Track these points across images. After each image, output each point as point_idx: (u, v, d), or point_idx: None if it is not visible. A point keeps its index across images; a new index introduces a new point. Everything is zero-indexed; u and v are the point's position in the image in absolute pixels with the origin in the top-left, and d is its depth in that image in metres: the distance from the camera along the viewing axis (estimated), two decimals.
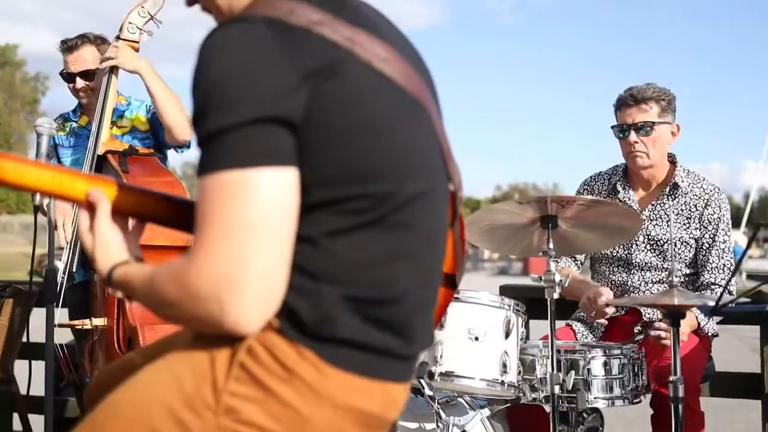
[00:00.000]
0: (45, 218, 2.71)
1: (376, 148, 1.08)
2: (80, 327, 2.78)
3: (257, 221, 1.00)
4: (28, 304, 3.26)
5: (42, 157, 2.40)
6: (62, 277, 2.91)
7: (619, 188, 2.83)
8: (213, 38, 1.05)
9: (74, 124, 3.24)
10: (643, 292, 2.74)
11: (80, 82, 3.12)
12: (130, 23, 2.98)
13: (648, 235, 2.75)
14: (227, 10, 1.20)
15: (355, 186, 1.08)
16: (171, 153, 3.24)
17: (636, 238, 2.73)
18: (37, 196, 2.62)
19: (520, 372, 2.30)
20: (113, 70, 2.94)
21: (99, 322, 2.76)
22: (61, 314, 2.80)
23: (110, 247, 1.22)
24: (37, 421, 3.11)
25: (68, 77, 3.14)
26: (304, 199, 1.06)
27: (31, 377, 3.06)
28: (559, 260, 2.81)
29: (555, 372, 2.18)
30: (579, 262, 2.94)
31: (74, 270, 2.93)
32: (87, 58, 3.12)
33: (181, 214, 1.31)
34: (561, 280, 2.17)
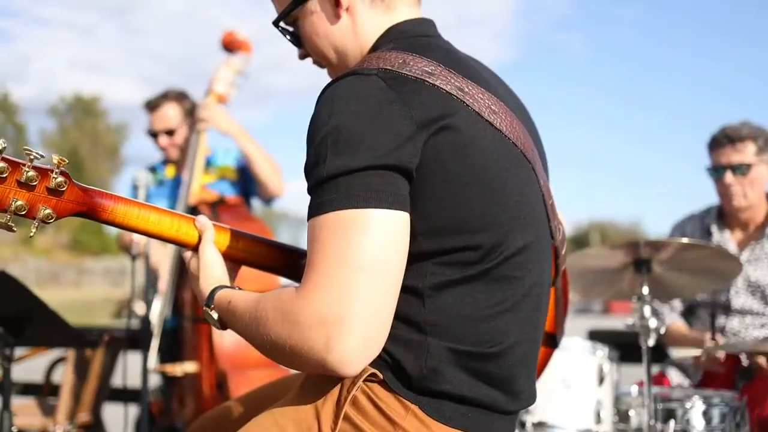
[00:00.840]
0: (131, 263, 2.80)
1: (486, 198, 1.08)
2: (170, 373, 2.85)
3: (368, 260, 1.00)
4: (118, 349, 3.35)
5: None
6: (154, 323, 2.99)
7: (714, 230, 2.74)
8: (331, 90, 1.09)
9: (161, 175, 3.37)
10: (743, 337, 2.63)
11: (163, 139, 3.26)
12: (219, 78, 3.11)
13: (748, 279, 2.64)
14: (340, 65, 1.24)
15: (464, 237, 1.08)
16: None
17: (734, 282, 2.62)
18: (135, 247, 2.73)
19: (614, 421, 2.22)
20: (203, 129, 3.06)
21: (190, 367, 2.82)
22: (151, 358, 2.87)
23: (214, 270, 1.24)
24: None
25: (153, 135, 3.29)
26: (413, 248, 1.07)
27: (126, 421, 3.14)
28: (661, 311, 2.73)
29: (653, 422, 2.09)
30: (670, 307, 2.84)
31: (167, 316, 3.01)
32: (169, 115, 3.26)
33: (283, 259, 1.33)
34: (657, 326, 2.10)
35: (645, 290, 2.11)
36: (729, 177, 2.62)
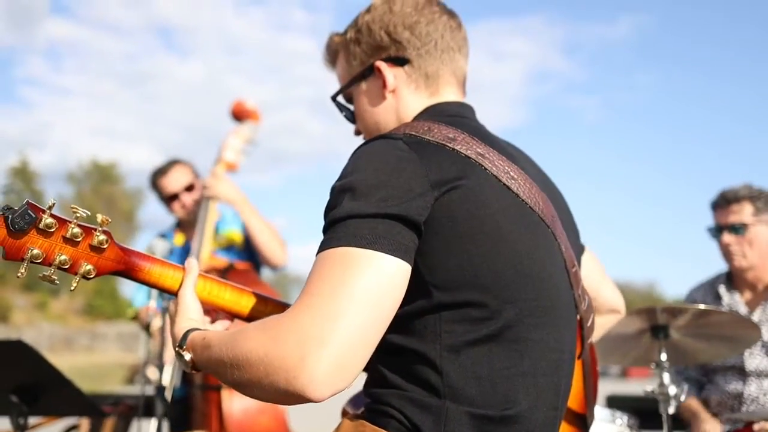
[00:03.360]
0: (141, 329, 2.81)
1: (496, 256, 1.11)
2: None
3: (361, 295, 1.02)
4: (132, 416, 3.32)
5: None
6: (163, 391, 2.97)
7: (723, 292, 2.74)
8: (360, 149, 1.17)
9: (171, 243, 3.41)
10: (762, 404, 2.57)
11: (186, 197, 3.30)
12: (229, 147, 3.18)
13: (762, 340, 2.60)
14: (378, 131, 1.33)
15: (474, 292, 1.09)
16: None
17: None
18: (154, 320, 2.72)
19: None
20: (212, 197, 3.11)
21: None
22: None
23: (190, 313, 1.25)
24: None
25: (170, 198, 3.33)
26: (424, 300, 1.10)
27: None
28: (679, 382, 2.70)
29: None
30: (686, 375, 2.80)
31: (176, 385, 3.00)
32: (182, 174, 3.34)
33: (272, 311, 1.32)
34: (676, 394, 2.07)
35: (663, 357, 2.09)
36: (726, 237, 2.69)
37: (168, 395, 2.88)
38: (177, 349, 1.20)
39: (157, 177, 3.37)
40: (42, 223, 1.08)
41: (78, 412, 2.70)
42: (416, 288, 1.11)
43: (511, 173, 1.18)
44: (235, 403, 2.85)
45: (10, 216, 1.06)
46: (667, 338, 2.12)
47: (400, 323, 1.11)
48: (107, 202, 59.47)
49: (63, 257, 1.11)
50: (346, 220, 1.07)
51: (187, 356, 1.18)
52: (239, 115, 3.25)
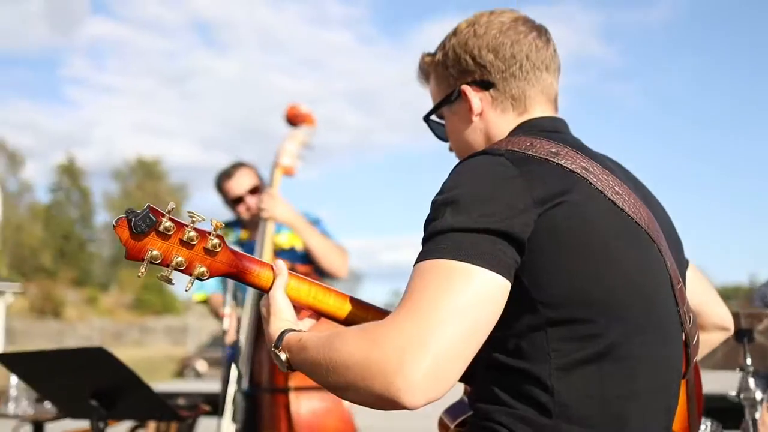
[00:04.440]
0: (191, 323, 2.83)
1: (603, 273, 1.10)
2: None
3: (461, 307, 1.02)
4: (197, 416, 3.38)
5: None
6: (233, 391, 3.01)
7: None
8: (461, 164, 1.17)
9: (237, 236, 3.44)
10: None
11: (251, 200, 3.32)
12: (285, 151, 3.19)
13: None
14: (467, 150, 1.33)
15: (582, 309, 1.09)
16: None
17: None
18: (226, 320, 2.76)
19: None
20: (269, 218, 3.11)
21: None
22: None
23: (283, 313, 1.26)
24: None
25: (235, 201, 3.36)
26: (532, 317, 1.09)
27: None
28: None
29: None
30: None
31: (244, 387, 3.02)
32: (246, 177, 3.36)
33: (360, 313, 1.32)
34: (763, 399, 2.02)
35: (748, 361, 2.04)
36: None
37: (231, 390, 2.89)
38: (273, 349, 1.22)
39: (221, 180, 3.41)
40: (161, 226, 1.13)
41: (155, 416, 2.76)
42: (522, 305, 1.10)
43: (616, 188, 1.16)
44: (303, 406, 2.87)
45: (132, 219, 1.12)
46: (752, 342, 2.07)
47: (507, 341, 1.11)
48: (152, 198, 60.60)
49: (179, 259, 1.16)
50: (447, 233, 1.08)
51: (283, 356, 1.20)
52: (294, 119, 3.26)
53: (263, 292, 1.29)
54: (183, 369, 26.94)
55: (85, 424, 2.47)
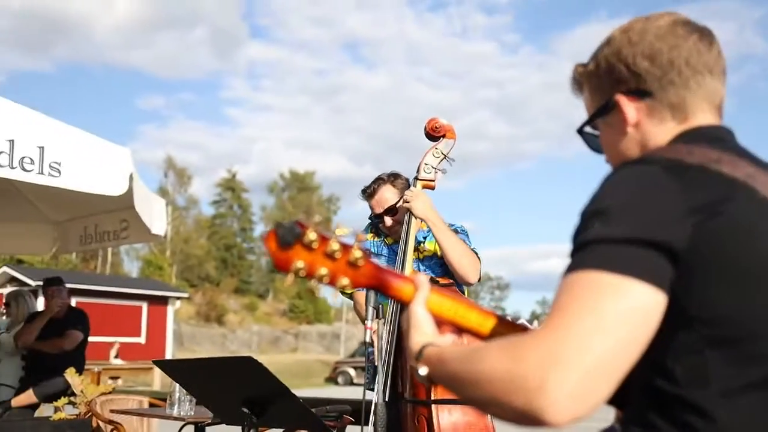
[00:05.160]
0: (343, 330, 2.90)
1: None
2: None
3: (612, 323, 0.97)
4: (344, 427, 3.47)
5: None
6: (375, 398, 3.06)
7: None
8: (614, 174, 1.13)
9: (383, 240, 3.50)
10: None
11: (388, 220, 3.39)
12: (426, 164, 3.21)
13: None
14: (622, 162, 1.26)
15: (745, 329, 1.01)
16: None
17: None
18: (368, 333, 2.83)
19: None
20: (411, 211, 3.17)
21: None
22: None
23: (424, 328, 1.25)
24: None
25: (377, 217, 3.44)
26: (688, 338, 1.03)
27: None
28: None
29: None
30: None
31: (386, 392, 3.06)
32: (387, 197, 3.41)
33: (502, 330, 1.30)
34: None
35: None
36: None
37: (376, 397, 2.95)
38: (414, 362, 1.23)
39: (364, 197, 3.50)
40: (306, 238, 1.17)
41: (303, 426, 2.87)
42: (678, 323, 1.03)
43: None
44: (444, 419, 2.87)
45: (279, 231, 1.17)
46: None
47: (662, 362, 1.05)
48: (305, 210, 63.20)
49: (324, 271, 1.20)
50: (597, 244, 1.03)
51: (424, 370, 1.20)
52: (434, 132, 3.28)
53: (404, 305, 1.30)
54: (335, 374, 27.84)
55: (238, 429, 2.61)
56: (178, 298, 29.90)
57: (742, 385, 1.01)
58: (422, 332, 1.25)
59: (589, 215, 1.07)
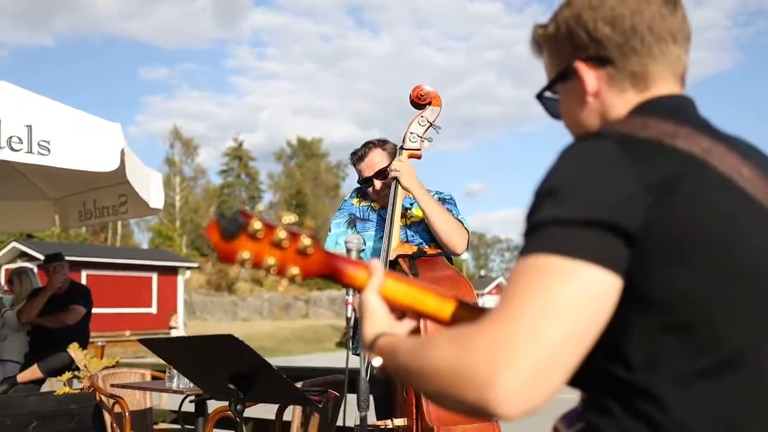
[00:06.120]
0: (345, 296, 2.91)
1: (727, 270, 0.98)
2: (383, 426, 2.92)
3: (561, 307, 0.94)
4: (342, 391, 3.51)
5: None
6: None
7: None
8: (566, 150, 1.08)
9: (370, 205, 3.49)
10: None
11: (378, 184, 3.37)
12: (411, 133, 3.19)
13: None
14: (582, 131, 1.23)
15: (700, 313, 0.98)
16: None
17: None
18: (349, 309, 2.84)
19: None
20: (398, 179, 3.15)
21: (399, 422, 2.88)
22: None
23: (377, 317, 1.23)
24: None
25: (366, 182, 3.42)
26: (642, 323, 0.99)
27: None
28: None
29: None
30: None
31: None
32: (376, 160, 3.39)
33: (459, 314, 1.29)
34: None
35: None
36: None
37: (364, 370, 2.96)
38: (367, 352, 1.22)
39: (353, 160, 3.49)
40: (250, 228, 1.14)
41: (289, 400, 2.90)
42: (632, 308, 1.00)
43: (744, 172, 1.03)
44: None
45: (221, 222, 1.13)
46: None
47: (616, 347, 1.02)
48: (313, 177, 63.17)
49: (271, 261, 1.16)
50: (548, 226, 0.99)
51: (377, 362, 1.19)
52: (419, 100, 3.24)
53: (359, 292, 1.27)
54: (346, 339, 28.08)
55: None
56: (188, 267, 30.13)
57: (696, 372, 0.98)
58: (375, 321, 1.23)
59: (542, 194, 1.03)
